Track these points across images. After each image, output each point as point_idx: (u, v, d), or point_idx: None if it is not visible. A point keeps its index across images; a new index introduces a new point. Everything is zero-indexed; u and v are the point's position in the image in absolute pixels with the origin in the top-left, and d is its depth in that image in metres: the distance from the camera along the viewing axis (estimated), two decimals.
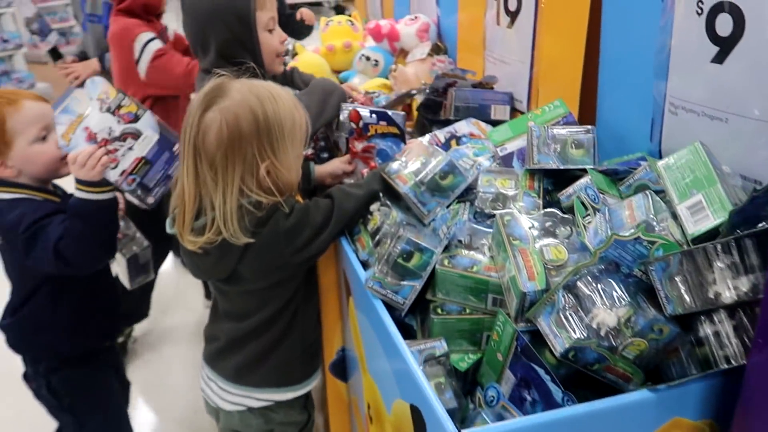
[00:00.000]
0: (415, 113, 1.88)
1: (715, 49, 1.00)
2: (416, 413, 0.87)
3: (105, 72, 2.69)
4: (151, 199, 1.42)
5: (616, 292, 0.82)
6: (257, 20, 1.57)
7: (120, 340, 2.50)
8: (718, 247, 0.77)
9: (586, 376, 0.85)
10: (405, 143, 1.49)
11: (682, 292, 0.79)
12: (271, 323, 1.27)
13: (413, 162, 1.19)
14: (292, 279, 1.25)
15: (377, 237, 1.20)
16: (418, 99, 1.85)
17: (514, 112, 1.69)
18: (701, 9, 1.02)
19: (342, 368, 1.52)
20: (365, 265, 1.19)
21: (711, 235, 0.87)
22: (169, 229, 1.19)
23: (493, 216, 1.07)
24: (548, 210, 0.97)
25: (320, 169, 1.57)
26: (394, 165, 1.20)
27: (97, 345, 1.56)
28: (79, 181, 1.33)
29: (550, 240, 0.91)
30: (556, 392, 0.81)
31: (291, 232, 1.14)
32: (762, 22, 0.92)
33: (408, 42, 2.16)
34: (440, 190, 1.15)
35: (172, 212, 1.16)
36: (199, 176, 1.10)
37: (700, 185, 0.92)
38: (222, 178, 1.08)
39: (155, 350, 2.60)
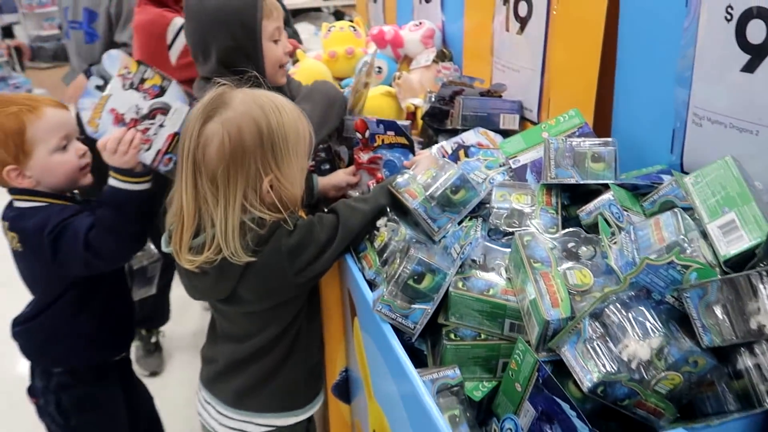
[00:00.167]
0: (419, 122, 1.82)
1: (746, 57, 0.95)
2: None
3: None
4: None
5: (648, 320, 0.75)
6: (263, 29, 1.52)
7: (153, 340, 2.50)
8: (765, 274, 0.70)
9: (613, 410, 0.78)
10: (414, 154, 1.43)
11: (721, 321, 0.72)
12: (273, 345, 1.21)
13: (423, 176, 1.13)
14: (295, 299, 1.19)
15: (385, 255, 1.14)
16: (424, 107, 1.80)
17: (524, 121, 1.63)
18: (731, 14, 0.96)
19: (345, 389, 1.45)
20: (372, 284, 1.12)
21: (745, 257, 0.81)
22: (164, 248, 1.13)
23: (509, 234, 1.01)
24: (571, 230, 0.91)
25: (324, 182, 1.52)
26: (403, 179, 1.14)
27: (112, 356, 1.51)
28: (113, 169, 1.27)
29: (573, 263, 0.85)
30: (582, 429, 0.74)
31: (294, 251, 1.07)
32: None
33: (412, 48, 2.10)
34: (451, 205, 1.09)
35: (168, 229, 1.10)
36: (198, 192, 1.04)
37: (732, 203, 0.86)
38: (223, 193, 1.02)
39: None
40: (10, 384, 1.51)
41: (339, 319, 1.34)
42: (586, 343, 0.76)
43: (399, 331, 0.98)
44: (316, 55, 2.26)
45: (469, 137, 1.56)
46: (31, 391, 1.48)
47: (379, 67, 2.07)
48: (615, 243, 0.87)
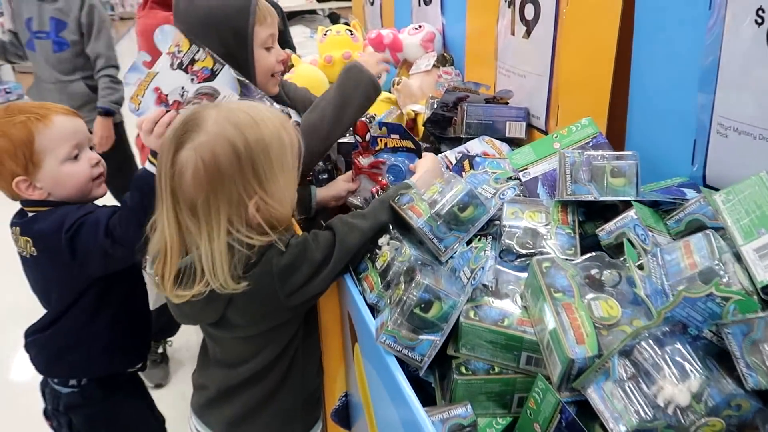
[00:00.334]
0: (420, 128, 1.74)
1: None
2: None
3: None
4: None
5: (686, 360, 0.67)
6: (255, 36, 1.44)
7: (159, 350, 2.43)
8: None
9: None
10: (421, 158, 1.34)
11: None
12: (268, 371, 1.12)
13: (428, 192, 1.05)
14: (290, 322, 1.11)
15: (387, 276, 1.06)
16: (425, 114, 1.72)
17: (531, 129, 1.55)
18: (762, 18, 0.89)
19: (345, 415, 1.37)
20: (373, 309, 1.05)
21: None
22: (149, 269, 1.05)
23: (522, 256, 0.93)
24: (594, 254, 0.83)
25: (322, 193, 1.43)
26: (407, 195, 1.06)
27: (128, 366, 1.44)
28: (151, 152, 1.19)
29: (597, 292, 0.77)
30: None
31: (286, 272, 0.99)
32: None
33: (412, 53, 2.02)
34: (459, 223, 1.01)
35: (153, 257, 1.01)
36: (180, 223, 0.96)
37: None
38: (206, 224, 0.94)
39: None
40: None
41: (338, 343, 1.26)
42: (616, 384, 0.68)
43: (405, 362, 0.90)
44: (311, 60, 2.18)
45: (474, 146, 1.48)
46: (46, 413, 1.42)
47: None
48: (641, 268, 0.79)
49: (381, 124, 1.38)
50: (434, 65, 1.93)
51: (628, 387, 0.68)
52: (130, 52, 3.25)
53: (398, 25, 2.34)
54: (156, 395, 1.65)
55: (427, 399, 0.90)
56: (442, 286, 0.89)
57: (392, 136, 1.38)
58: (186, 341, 2.59)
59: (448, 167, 1.45)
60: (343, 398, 1.34)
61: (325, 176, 1.60)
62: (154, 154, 1.18)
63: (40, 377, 1.41)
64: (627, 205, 0.95)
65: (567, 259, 0.89)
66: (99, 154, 1.32)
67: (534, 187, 1.14)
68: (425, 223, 1.01)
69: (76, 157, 1.25)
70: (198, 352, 1.24)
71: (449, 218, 1.01)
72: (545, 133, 1.51)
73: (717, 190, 1.04)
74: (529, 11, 1.46)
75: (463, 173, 1.40)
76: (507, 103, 1.58)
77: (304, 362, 1.16)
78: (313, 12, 5.00)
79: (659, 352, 0.68)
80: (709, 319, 0.69)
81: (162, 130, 1.17)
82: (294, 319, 1.11)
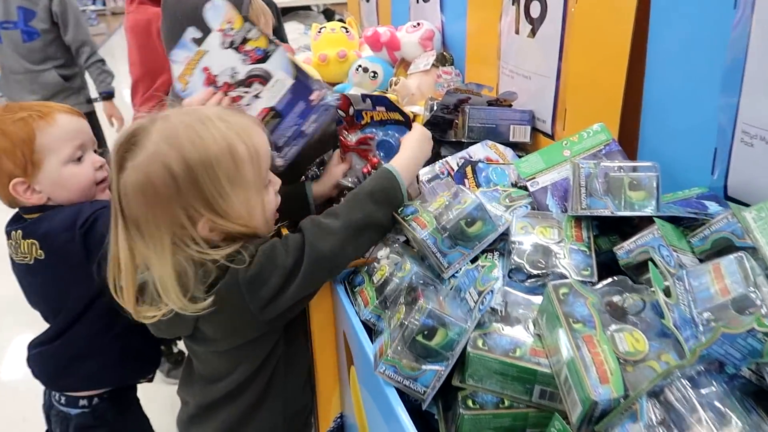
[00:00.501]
0: None
1: None
2: None
3: None
4: (279, 161, 1.12)
5: (723, 402, 0.60)
6: None
7: (175, 350, 2.37)
8: None
9: None
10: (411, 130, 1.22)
11: None
12: (245, 387, 1.06)
13: (434, 203, 0.98)
14: (267, 336, 1.04)
15: (385, 292, 0.99)
16: (424, 115, 1.64)
17: (536, 133, 1.48)
18: None
19: None
20: (368, 327, 0.97)
21: None
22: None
23: (534, 276, 0.86)
24: (617, 278, 0.75)
25: (318, 188, 1.31)
26: (411, 206, 0.99)
27: (142, 375, 1.37)
28: None
29: (620, 323, 0.69)
30: None
31: (254, 284, 0.90)
32: None
33: (410, 51, 1.94)
34: (465, 238, 0.94)
35: (113, 280, 0.94)
36: (129, 241, 0.89)
37: None
38: (152, 244, 0.87)
39: None
40: None
41: (333, 362, 1.19)
42: (645, 429, 0.61)
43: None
44: (305, 58, 2.10)
45: (477, 151, 1.41)
46: None
47: (375, 72, 1.91)
48: (668, 295, 0.71)
49: (364, 97, 1.24)
50: (433, 65, 1.85)
51: None
52: (121, 47, 3.21)
53: (395, 22, 2.26)
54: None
55: (429, 430, 0.84)
56: (446, 310, 0.81)
57: (378, 108, 1.25)
58: None
59: (449, 174, 1.37)
60: (338, 420, 1.26)
61: (322, 168, 1.50)
62: None
63: (25, 379, 1.31)
64: (644, 217, 0.88)
65: (584, 281, 0.81)
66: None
67: (543, 197, 1.06)
68: (429, 235, 0.93)
69: (79, 159, 1.17)
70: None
71: (455, 232, 0.93)
72: (551, 137, 1.43)
73: (740, 202, 0.97)
74: (535, 9, 1.39)
75: (465, 180, 1.32)
76: (510, 106, 1.50)
77: (285, 377, 1.09)
78: (307, 8, 4.92)
79: (693, 394, 0.61)
80: (749, 357, 0.62)
81: None
82: (271, 332, 1.04)
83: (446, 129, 1.57)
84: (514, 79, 1.54)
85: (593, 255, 0.86)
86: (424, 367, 0.80)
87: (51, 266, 1.17)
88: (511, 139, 1.46)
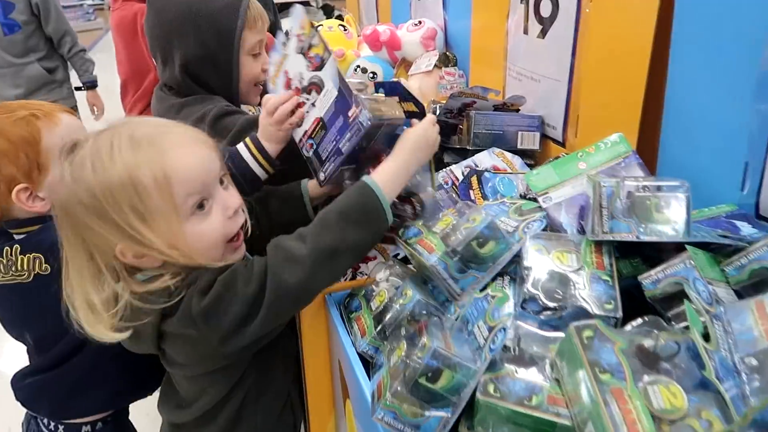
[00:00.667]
0: None
1: None
2: None
3: None
4: (321, 175, 1.04)
5: None
6: (243, 41, 1.27)
7: None
8: None
9: None
10: None
11: None
12: (214, 414, 0.98)
13: (440, 223, 0.89)
14: (235, 365, 0.95)
15: (384, 321, 0.90)
16: None
17: (545, 139, 1.39)
18: None
19: None
20: (365, 360, 0.89)
21: None
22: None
23: (549, 309, 0.77)
24: (648, 318, 0.66)
25: (318, 186, 1.11)
26: (414, 228, 0.90)
27: (154, 388, 1.23)
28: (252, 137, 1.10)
29: (654, 373, 0.61)
30: None
31: (210, 315, 0.80)
32: None
33: (411, 51, 1.85)
34: (478, 261, 0.85)
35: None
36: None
37: None
38: (72, 264, 0.84)
39: None
40: None
41: (327, 391, 1.10)
42: None
43: None
44: None
45: (483, 160, 1.32)
46: None
47: (374, 73, 1.82)
48: (707, 339, 0.62)
49: (377, 86, 1.10)
50: (436, 65, 1.77)
51: None
52: None
53: (396, 20, 2.17)
54: None
55: None
56: (453, 349, 0.72)
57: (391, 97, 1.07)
58: None
59: (454, 184, 1.29)
60: None
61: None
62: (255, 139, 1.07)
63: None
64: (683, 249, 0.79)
65: (607, 316, 0.72)
66: None
67: (557, 214, 0.97)
68: (439, 260, 0.84)
69: None
70: None
71: (467, 254, 0.84)
72: (562, 144, 1.35)
73: None
74: (546, 8, 1.29)
75: (471, 191, 1.23)
76: (518, 111, 1.41)
77: (257, 404, 1.01)
78: (306, 3, 4.84)
79: None
80: None
81: (281, 117, 1.04)
82: (240, 362, 0.96)
83: (450, 134, 1.48)
84: (521, 82, 1.45)
85: (616, 285, 0.77)
86: (427, 413, 0.71)
87: (55, 283, 1.06)
88: (519, 146, 1.37)
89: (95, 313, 0.81)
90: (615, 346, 0.62)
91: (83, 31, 7.85)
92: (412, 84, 1.74)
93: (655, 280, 0.76)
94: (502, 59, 1.52)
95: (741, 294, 0.74)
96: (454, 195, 1.20)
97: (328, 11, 4.76)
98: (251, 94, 1.34)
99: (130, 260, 0.81)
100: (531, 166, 1.32)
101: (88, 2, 10.06)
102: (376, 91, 1.10)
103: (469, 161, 1.31)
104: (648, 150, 1.10)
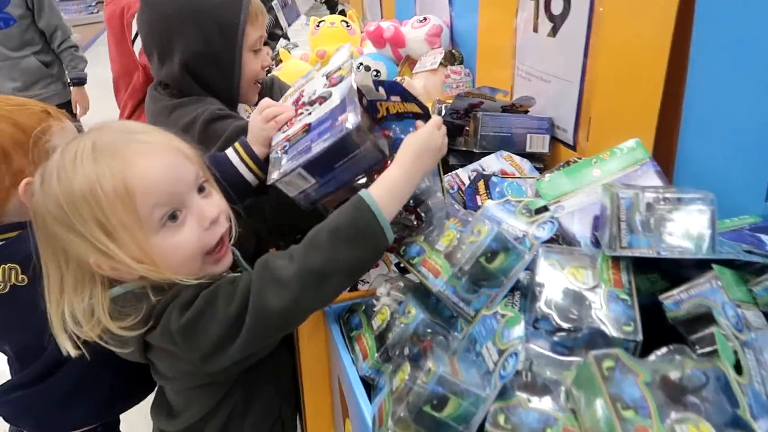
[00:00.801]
0: None
1: None
2: None
3: None
4: (275, 174, 0.91)
5: None
6: (245, 36, 1.23)
7: None
8: None
9: None
10: None
11: None
12: (199, 428, 0.95)
13: (443, 239, 0.83)
14: (221, 380, 0.92)
15: (386, 342, 0.85)
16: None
17: (555, 142, 1.33)
18: None
19: None
20: (368, 384, 0.84)
21: None
22: None
23: (563, 330, 0.72)
24: (673, 347, 0.61)
25: None
26: (415, 246, 0.84)
27: (147, 394, 1.19)
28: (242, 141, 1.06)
29: (681, 409, 0.55)
30: None
31: (189, 333, 0.76)
32: None
33: (415, 48, 1.80)
34: (488, 277, 0.79)
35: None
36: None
37: None
38: (47, 272, 0.81)
39: None
40: None
41: (327, 408, 1.05)
42: None
43: None
44: (302, 54, 1.95)
45: (491, 163, 1.27)
46: None
47: (377, 71, 1.77)
48: (740, 372, 0.57)
49: (377, 84, 1.03)
50: (441, 63, 1.71)
51: None
52: None
53: (400, 16, 2.11)
54: None
55: None
56: (460, 374, 0.67)
57: (392, 98, 1.01)
58: None
59: (460, 188, 1.23)
60: None
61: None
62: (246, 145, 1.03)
63: None
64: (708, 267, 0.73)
65: (627, 339, 0.67)
66: None
67: (569, 224, 0.92)
68: (446, 284, 0.78)
69: None
70: None
71: (476, 272, 0.78)
72: (572, 148, 1.29)
73: None
74: (557, 5, 1.24)
75: (477, 196, 1.18)
76: (527, 112, 1.36)
77: (244, 419, 0.97)
78: None
79: None
80: None
81: (269, 115, 1.02)
82: (225, 379, 0.93)
83: (455, 136, 1.43)
84: (530, 82, 1.39)
85: (636, 305, 0.72)
86: None
87: (35, 293, 1.01)
88: (528, 149, 1.32)
89: (75, 324, 0.78)
90: (638, 379, 0.57)
91: (85, 24, 7.78)
92: (417, 83, 1.69)
93: (677, 300, 0.70)
94: (510, 58, 1.47)
95: None
96: (456, 205, 1.14)
97: (331, 6, 4.69)
98: (250, 93, 1.30)
99: (108, 272, 0.77)
100: (540, 170, 1.27)
101: None
102: (376, 90, 1.05)
103: (475, 165, 1.26)
104: (664, 155, 1.04)
